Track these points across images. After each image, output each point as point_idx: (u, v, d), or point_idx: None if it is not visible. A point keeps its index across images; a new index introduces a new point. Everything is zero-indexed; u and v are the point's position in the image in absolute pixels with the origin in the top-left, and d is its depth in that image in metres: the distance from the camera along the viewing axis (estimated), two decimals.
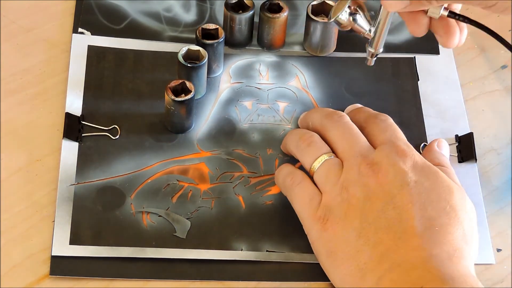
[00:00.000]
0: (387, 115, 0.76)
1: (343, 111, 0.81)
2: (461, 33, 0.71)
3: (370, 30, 0.74)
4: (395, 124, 0.75)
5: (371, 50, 0.75)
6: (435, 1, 0.67)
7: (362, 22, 0.73)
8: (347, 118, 0.75)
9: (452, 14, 0.69)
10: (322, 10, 0.85)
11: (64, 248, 0.71)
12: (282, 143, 0.78)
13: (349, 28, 0.74)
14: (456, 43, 0.71)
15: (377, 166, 0.70)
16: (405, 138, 0.74)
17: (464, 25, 0.71)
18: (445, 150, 0.77)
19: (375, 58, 0.76)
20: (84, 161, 0.76)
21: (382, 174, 0.70)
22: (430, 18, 0.70)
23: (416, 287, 0.64)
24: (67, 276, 0.70)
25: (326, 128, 0.75)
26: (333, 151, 0.74)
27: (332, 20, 0.74)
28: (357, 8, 0.73)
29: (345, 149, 0.73)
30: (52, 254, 0.71)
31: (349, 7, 0.73)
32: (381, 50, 0.75)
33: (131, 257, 0.71)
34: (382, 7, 0.71)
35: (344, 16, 0.73)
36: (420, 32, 0.71)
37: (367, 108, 0.79)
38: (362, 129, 0.75)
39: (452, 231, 0.68)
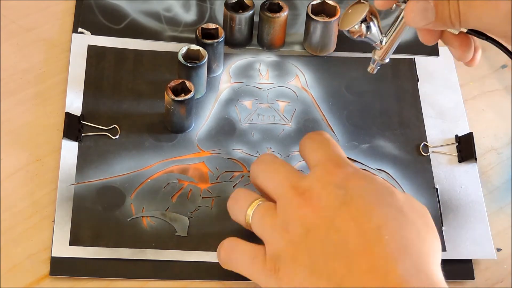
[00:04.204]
0: (322, 131, 0.72)
1: (342, 111, 0.81)
2: (476, 51, 0.69)
3: (381, 41, 0.71)
4: (329, 139, 0.70)
5: (377, 58, 0.73)
6: (458, 25, 0.65)
7: (375, 31, 0.70)
8: (269, 155, 0.71)
9: (473, 32, 0.67)
10: (322, 9, 0.85)
11: (64, 248, 0.71)
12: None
13: (358, 37, 0.70)
14: (470, 58, 0.69)
15: (309, 193, 0.65)
16: (340, 151, 0.69)
17: (479, 45, 0.69)
18: None
19: (379, 67, 0.74)
20: (84, 161, 0.76)
21: (315, 200, 0.65)
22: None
23: None
24: (67, 276, 0.70)
25: (254, 175, 0.71)
26: (267, 195, 0.69)
27: (345, 29, 0.70)
28: (372, 17, 0.69)
29: (274, 185, 0.68)
30: (52, 255, 0.71)
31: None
32: (387, 60, 0.73)
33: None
34: (400, 18, 0.69)
35: (358, 26, 0.69)
36: (431, 42, 0.69)
37: (308, 133, 0.74)
38: (301, 154, 0.71)
39: (403, 234, 0.63)
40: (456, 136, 0.81)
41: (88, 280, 0.70)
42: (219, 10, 0.88)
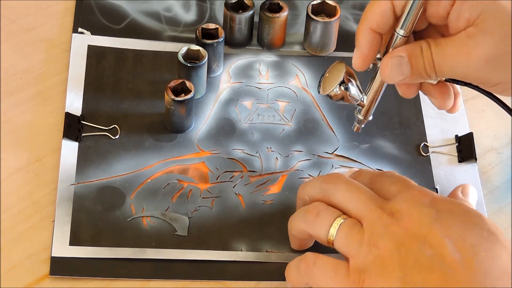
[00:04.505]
0: (393, 171, 0.73)
1: (342, 111, 0.81)
2: (456, 98, 0.69)
3: (362, 99, 0.71)
4: (403, 176, 0.71)
5: (361, 117, 0.72)
6: (434, 75, 0.65)
7: (354, 91, 0.70)
8: (346, 177, 0.70)
9: (451, 80, 0.67)
10: (322, 10, 0.85)
11: (64, 248, 0.71)
12: (288, 229, 0.72)
13: (339, 99, 0.70)
14: (451, 106, 0.69)
15: (399, 213, 0.65)
16: (417, 185, 0.70)
17: (459, 90, 0.69)
18: (472, 198, 0.74)
19: (364, 125, 0.73)
20: (84, 161, 0.76)
21: (406, 219, 0.65)
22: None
23: None
24: (67, 276, 0.70)
25: (329, 193, 0.69)
26: (345, 213, 0.68)
27: (325, 94, 0.70)
28: (349, 78, 0.69)
29: (358, 206, 0.67)
30: (52, 255, 0.71)
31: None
32: (371, 117, 0.72)
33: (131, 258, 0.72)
34: (377, 75, 0.69)
35: (337, 89, 0.69)
36: (411, 95, 0.69)
37: (367, 169, 0.77)
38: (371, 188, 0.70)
39: (499, 254, 0.63)
40: (456, 136, 0.81)
41: (88, 280, 0.70)
42: (219, 10, 0.88)
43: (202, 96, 0.82)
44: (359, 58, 0.67)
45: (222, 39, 0.81)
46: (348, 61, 0.85)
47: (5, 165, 0.76)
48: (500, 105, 0.68)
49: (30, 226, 0.73)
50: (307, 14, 0.84)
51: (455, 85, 0.69)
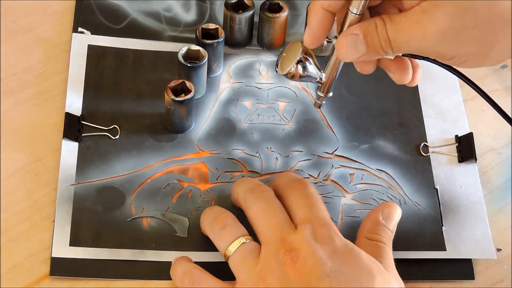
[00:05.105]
0: (306, 182, 0.73)
1: (342, 111, 0.81)
2: (415, 71, 0.68)
3: (320, 77, 0.70)
4: (314, 194, 0.71)
5: (321, 94, 0.72)
6: (391, 51, 0.64)
7: (313, 70, 0.70)
8: (270, 193, 0.71)
9: (408, 54, 0.66)
10: None
11: (64, 249, 0.71)
12: (201, 219, 0.73)
13: (297, 78, 0.70)
14: (409, 80, 0.68)
15: (296, 253, 0.66)
16: (325, 211, 0.71)
17: (418, 63, 0.69)
18: (392, 222, 0.73)
19: (324, 102, 0.73)
20: (84, 161, 0.76)
21: (300, 263, 0.65)
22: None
23: None
24: (67, 277, 0.70)
25: (248, 204, 0.71)
26: (254, 229, 0.70)
27: (282, 73, 0.69)
28: (306, 56, 0.69)
29: (264, 230, 0.69)
30: (52, 256, 0.71)
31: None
32: (331, 94, 0.72)
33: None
34: (334, 53, 0.69)
35: (294, 68, 0.69)
36: (369, 71, 0.69)
37: (290, 172, 0.77)
38: (282, 199, 0.72)
39: None
40: (456, 136, 0.81)
41: (88, 280, 0.70)
42: (219, 10, 0.88)
43: (202, 96, 0.82)
44: (309, 36, 0.67)
45: (222, 39, 0.81)
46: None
47: (5, 165, 0.76)
48: (459, 77, 0.67)
49: (30, 226, 0.73)
50: (307, 14, 0.84)
51: (413, 60, 0.68)
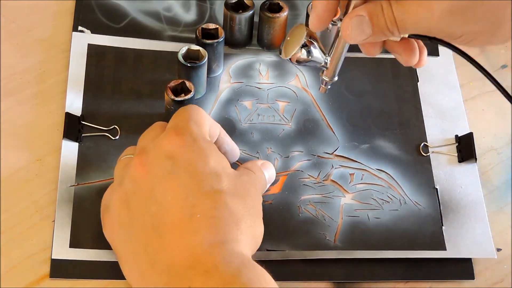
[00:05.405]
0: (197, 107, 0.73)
1: (342, 111, 0.81)
2: (421, 53, 0.68)
3: (325, 61, 0.70)
4: (193, 109, 0.71)
5: (326, 79, 0.71)
6: (397, 32, 0.64)
7: (317, 54, 0.69)
8: (160, 124, 0.73)
9: (415, 35, 0.66)
10: None
11: (64, 251, 0.71)
12: None
13: (302, 62, 0.69)
14: (416, 61, 0.68)
15: (145, 156, 0.68)
16: (200, 116, 0.71)
17: (424, 45, 0.68)
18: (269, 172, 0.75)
19: (329, 86, 0.73)
20: (84, 162, 0.76)
21: (147, 165, 0.67)
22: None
23: None
24: (67, 278, 0.70)
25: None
26: None
27: (287, 58, 0.69)
28: (311, 40, 0.69)
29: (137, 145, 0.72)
30: (52, 257, 0.71)
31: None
32: (336, 78, 0.72)
33: None
34: (339, 36, 0.69)
35: (299, 52, 0.69)
36: (375, 53, 0.68)
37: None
38: None
39: (215, 214, 0.65)
40: (456, 136, 0.81)
41: (88, 280, 0.70)
42: (219, 10, 0.88)
43: (202, 96, 0.82)
44: (315, 19, 0.67)
45: (222, 39, 0.81)
46: (349, 61, 0.86)
47: (5, 165, 0.76)
48: (467, 59, 0.66)
49: (30, 226, 0.73)
50: (307, 14, 0.84)
51: (420, 42, 0.68)
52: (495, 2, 0.60)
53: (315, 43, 0.69)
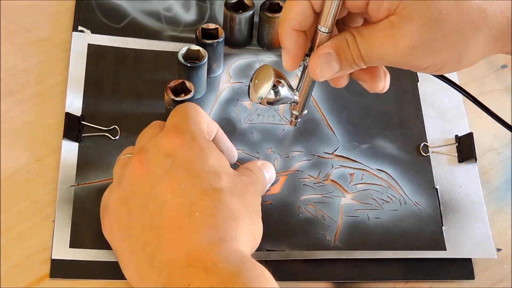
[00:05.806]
0: (194, 104, 0.73)
1: (342, 111, 0.81)
2: (386, 76, 0.68)
3: (294, 97, 0.70)
4: (192, 108, 0.71)
5: (296, 113, 0.72)
6: (363, 65, 0.64)
7: (286, 92, 0.70)
8: (158, 123, 0.73)
9: None
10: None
11: (64, 251, 0.71)
12: None
13: (272, 103, 0.70)
14: (383, 87, 0.68)
15: (144, 155, 0.68)
16: (198, 115, 0.71)
17: (387, 70, 0.68)
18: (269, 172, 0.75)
19: (299, 119, 0.73)
20: (84, 162, 0.76)
21: (146, 164, 0.67)
22: None
23: (183, 287, 0.61)
24: (67, 278, 0.70)
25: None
26: None
27: (258, 102, 0.69)
28: (279, 80, 0.69)
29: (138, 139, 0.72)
30: (52, 257, 0.71)
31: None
32: (306, 111, 0.72)
33: None
34: (306, 73, 0.69)
35: (271, 94, 0.69)
36: (343, 84, 0.69)
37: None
38: None
39: (214, 212, 0.65)
40: (456, 136, 0.81)
41: (88, 280, 0.70)
42: (219, 10, 0.88)
43: (202, 96, 0.82)
44: (288, 60, 0.67)
45: (222, 39, 0.81)
46: None
47: (5, 165, 0.76)
48: (446, 82, 0.67)
49: (30, 226, 0.73)
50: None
51: (383, 66, 0.68)
52: (457, 33, 0.61)
53: (283, 81, 0.69)
